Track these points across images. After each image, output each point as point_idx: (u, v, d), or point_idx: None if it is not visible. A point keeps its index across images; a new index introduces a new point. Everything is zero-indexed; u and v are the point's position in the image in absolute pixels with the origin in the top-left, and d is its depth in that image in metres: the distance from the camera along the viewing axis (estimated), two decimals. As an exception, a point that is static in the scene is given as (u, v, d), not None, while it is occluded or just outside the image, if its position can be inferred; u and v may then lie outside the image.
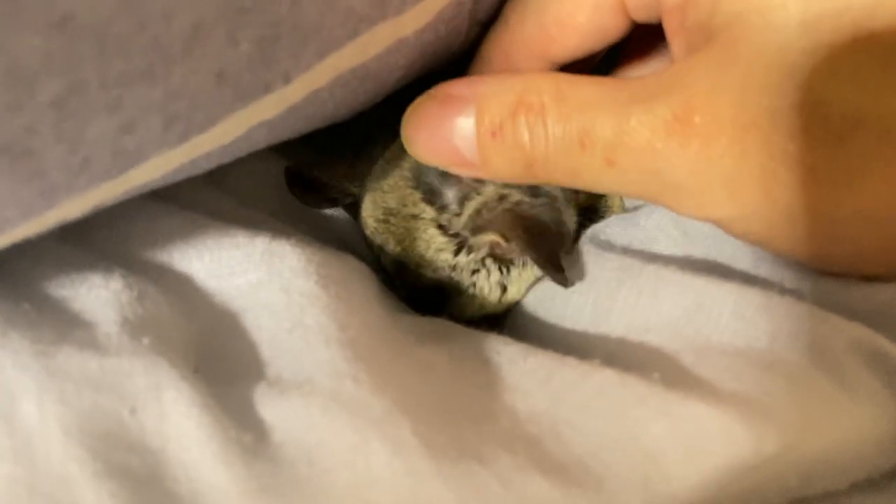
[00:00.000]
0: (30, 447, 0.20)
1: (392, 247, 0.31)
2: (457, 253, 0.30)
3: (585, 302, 0.28)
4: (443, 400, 0.23)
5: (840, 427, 0.22)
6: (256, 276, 0.26)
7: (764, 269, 0.26)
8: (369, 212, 0.31)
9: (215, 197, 0.30)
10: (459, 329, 0.28)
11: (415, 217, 0.30)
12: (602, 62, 0.31)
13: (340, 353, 0.23)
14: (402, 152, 0.30)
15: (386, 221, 0.31)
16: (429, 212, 0.30)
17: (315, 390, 0.22)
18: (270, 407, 0.22)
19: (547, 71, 0.28)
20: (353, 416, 0.21)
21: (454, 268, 0.30)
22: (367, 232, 0.32)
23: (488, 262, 0.30)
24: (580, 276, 0.29)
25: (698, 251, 0.28)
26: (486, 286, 0.31)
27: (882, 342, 0.24)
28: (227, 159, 0.24)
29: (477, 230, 0.29)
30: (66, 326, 0.23)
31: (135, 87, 0.18)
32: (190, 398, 0.21)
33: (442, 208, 0.29)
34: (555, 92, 0.24)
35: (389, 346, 0.25)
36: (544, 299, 0.30)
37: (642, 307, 0.27)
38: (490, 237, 0.29)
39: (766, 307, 0.24)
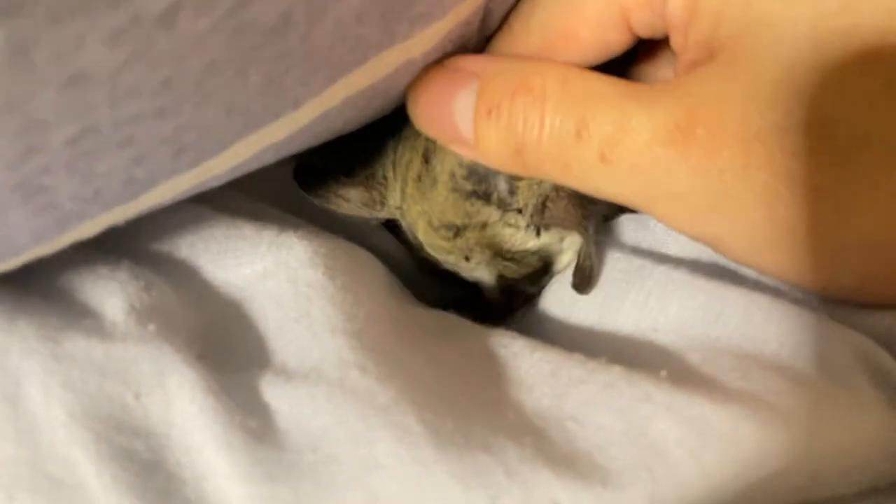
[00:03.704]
0: (34, 430, 0.20)
1: (486, 256, 0.30)
2: (538, 234, 0.30)
3: (593, 300, 0.28)
4: (449, 391, 0.23)
5: (847, 430, 0.22)
6: (263, 266, 0.26)
7: (772, 279, 0.26)
8: (430, 236, 0.30)
9: (223, 191, 0.29)
10: (467, 324, 0.28)
11: (485, 225, 0.29)
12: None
13: (346, 343, 0.23)
14: (433, 167, 0.29)
15: (456, 237, 0.30)
16: (494, 214, 0.29)
17: (321, 378, 0.22)
18: (276, 394, 0.22)
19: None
20: (358, 403, 0.21)
21: (543, 246, 0.30)
22: (432, 252, 0.31)
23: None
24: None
25: (707, 255, 0.28)
26: (570, 251, 0.31)
27: (886, 358, 0.24)
28: (235, 176, 0.24)
29: (545, 225, 0.29)
30: (73, 314, 0.23)
31: (146, 124, 0.18)
32: (195, 383, 0.21)
33: (502, 206, 0.29)
34: (560, 78, 0.24)
35: (397, 337, 0.25)
36: (551, 296, 0.30)
37: (651, 308, 0.26)
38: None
39: (776, 313, 0.24)
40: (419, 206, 0.30)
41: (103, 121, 0.17)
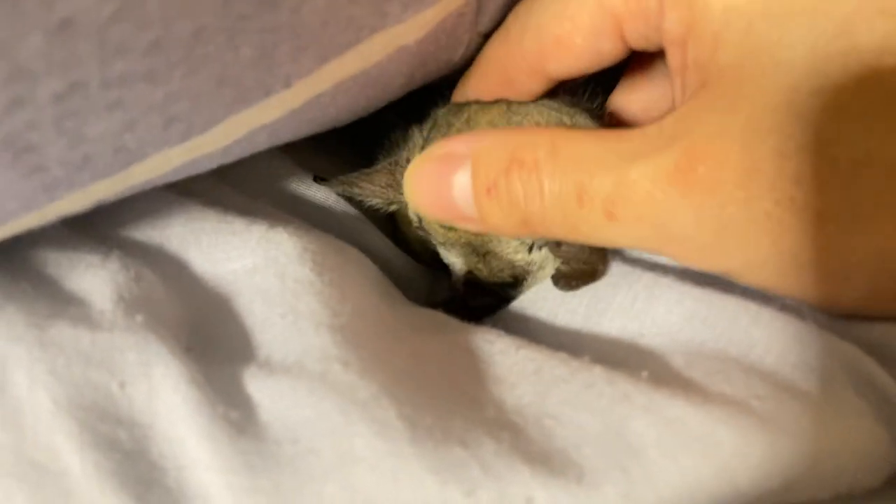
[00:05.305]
0: (18, 416, 0.20)
1: (465, 251, 0.31)
2: (530, 251, 0.30)
3: (580, 303, 0.28)
4: (431, 387, 0.23)
5: (827, 437, 0.22)
6: (252, 261, 0.26)
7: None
8: (437, 223, 0.31)
9: (215, 186, 0.30)
10: (454, 322, 0.28)
11: None
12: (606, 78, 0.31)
13: (330, 338, 0.23)
14: None
15: (451, 228, 0.30)
16: None
17: (303, 372, 0.22)
18: (259, 387, 0.22)
19: (543, 93, 0.29)
20: (339, 397, 0.21)
21: (529, 263, 0.30)
22: (437, 239, 0.31)
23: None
24: None
25: None
26: (550, 267, 0.31)
27: (873, 368, 0.24)
28: (228, 160, 0.25)
29: (557, 254, 0.29)
30: (62, 303, 0.24)
31: (135, 87, 0.19)
32: (179, 374, 0.21)
33: None
34: (549, 147, 0.24)
35: (382, 333, 0.25)
36: (538, 296, 0.30)
37: (637, 312, 0.27)
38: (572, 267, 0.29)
39: (763, 320, 0.24)
40: None
41: (92, 78, 0.18)
